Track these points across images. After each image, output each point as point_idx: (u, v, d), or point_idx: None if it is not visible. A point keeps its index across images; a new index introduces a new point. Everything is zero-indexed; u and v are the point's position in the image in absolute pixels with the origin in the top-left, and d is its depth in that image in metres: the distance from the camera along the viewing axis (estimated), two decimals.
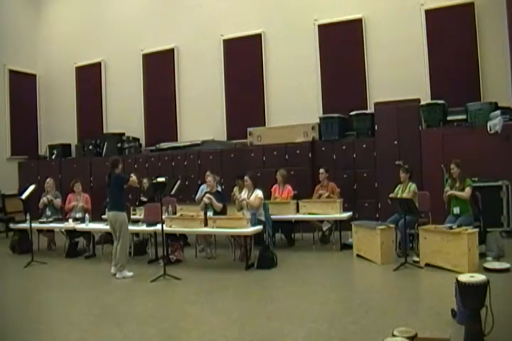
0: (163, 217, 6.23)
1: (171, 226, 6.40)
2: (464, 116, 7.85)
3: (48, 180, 8.10)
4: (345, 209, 7.18)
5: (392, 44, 8.86)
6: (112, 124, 11.63)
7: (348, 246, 6.78)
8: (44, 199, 7.85)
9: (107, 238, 7.13)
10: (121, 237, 5.99)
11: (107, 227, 6.68)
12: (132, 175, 6.23)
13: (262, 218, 6.56)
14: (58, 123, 12.20)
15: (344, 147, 8.64)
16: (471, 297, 3.19)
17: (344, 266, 6.16)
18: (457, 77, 8.37)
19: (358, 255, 6.37)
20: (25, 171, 11.47)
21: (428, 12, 8.63)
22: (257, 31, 10.05)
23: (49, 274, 6.47)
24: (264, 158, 9.06)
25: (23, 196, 7.12)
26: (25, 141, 11.96)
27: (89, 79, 11.83)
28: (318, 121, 9.02)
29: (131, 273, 5.99)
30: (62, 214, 8.05)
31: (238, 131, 9.86)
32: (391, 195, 6.51)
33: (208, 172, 7.81)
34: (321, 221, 7.25)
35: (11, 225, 8.26)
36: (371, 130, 8.52)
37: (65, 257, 7.35)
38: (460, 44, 8.39)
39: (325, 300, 4.61)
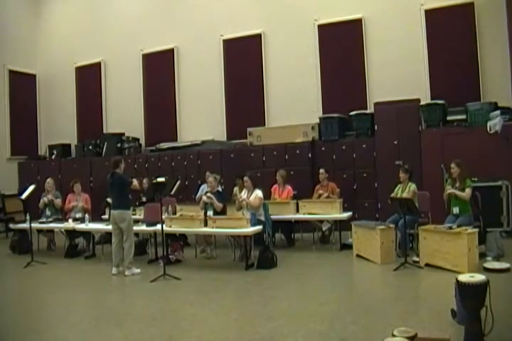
0: (163, 217, 6.23)
1: (170, 226, 6.41)
2: (463, 116, 7.85)
3: (48, 180, 8.10)
4: (345, 209, 7.18)
5: (392, 44, 8.86)
6: (111, 124, 11.64)
7: (348, 246, 6.78)
8: (44, 200, 7.85)
9: (107, 238, 7.12)
10: (129, 236, 6.08)
11: (107, 227, 6.70)
12: (134, 180, 6.37)
13: (262, 218, 6.56)
14: (58, 123, 12.20)
15: (344, 147, 8.64)
16: (471, 297, 3.19)
17: (344, 266, 6.16)
18: (457, 77, 8.37)
19: (357, 255, 6.37)
20: (25, 171, 11.45)
21: (428, 12, 8.62)
22: (257, 31, 10.05)
23: (49, 274, 6.46)
24: (264, 158, 9.06)
25: (23, 196, 7.12)
26: (25, 141, 11.97)
27: (89, 79, 11.83)
28: (318, 121, 9.02)
29: (138, 270, 6.06)
30: (62, 215, 8.06)
31: (238, 131, 9.86)
32: (391, 195, 6.51)
33: (208, 173, 7.83)
34: (321, 221, 7.24)
35: (11, 225, 8.27)
36: (371, 130, 8.52)
37: (65, 257, 7.34)
38: (460, 44, 8.40)
39: (325, 300, 4.61)
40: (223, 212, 6.76)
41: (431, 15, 8.61)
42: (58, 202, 7.94)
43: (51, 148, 11.65)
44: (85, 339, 3.85)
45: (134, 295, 5.25)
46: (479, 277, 3.27)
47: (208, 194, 6.80)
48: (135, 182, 6.40)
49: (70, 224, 7.27)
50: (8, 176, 11.20)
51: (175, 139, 10.76)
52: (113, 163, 6.19)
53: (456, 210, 5.96)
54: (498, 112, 7.32)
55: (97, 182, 10.30)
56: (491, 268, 5.14)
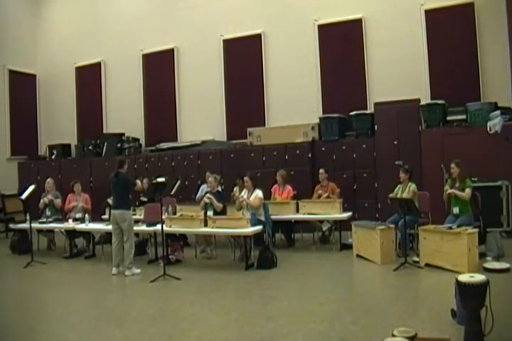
0: (163, 217, 6.24)
1: (170, 227, 6.41)
2: (463, 116, 7.85)
3: (48, 180, 8.10)
4: (345, 209, 7.18)
5: (392, 44, 8.85)
6: (111, 124, 11.63)
7: (348, 246, 6.78)
8: (44, 200, 7.84)
9: (107, 238, 7.11)
10: (130, 236, 6.09)
11: (107, 227, 6.70)
12: (138, 181, 6.39)
13: (262, 218, 6.56)
14: (58, 123, 12.20)
15: (344, 147, 8.64)
16: (471, 297, 3.19)
17: (344, 266, 6.16)
18: (457, 77, 8.36)
19: (357, 255, 6.37)
20: (25, 171, 11.44)
21: (428, 12, 8.62)
22: (257, 31, 10.05)
23: (49, 274, 6.46)
24: (264, 158, 9.06)
25: (23, 196, 7.12)
26: (25, 141, 11.97)
27: (89, 79, 11.82)
28: (318, 121, 9.02)
29: (139, 270, 6.07)
30: (62, 215, 8.05)
31: (238, 131, 9.86)
32: (391, 195, 6.51)
33: (208, 173, 7.83)
34: (321, 221, 7.25)
35: (11, 225, 8.27)
36: (371, 130, 8.51)
37: (64, 257, 7.35)
38: (460, 44, 8.40)
39: (325, 300, 4.61)
40: (223, 212, 6.76)
41: (431, 15, 8.61)
42: (58, 202, 7.94)
43: (51, 148, 11.65)
44: (85, 339, 3.85)
45: (134, 295, 5.25)
46: (479, 277, 3.27)
47: (208, 194, 6.80)
48: (139, 183, 6.47)
49: (70, 224, 7.27)
50: (8, 176, 11.19)
51: (175, 139, 10.76)
52: (118, 162, 6.21)
53: (456, 210, 5.96)
54: (498, 112, 7.32)
55: (97, 182, 10.31)
56: (491, 268, 5.14)
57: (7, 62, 11.64)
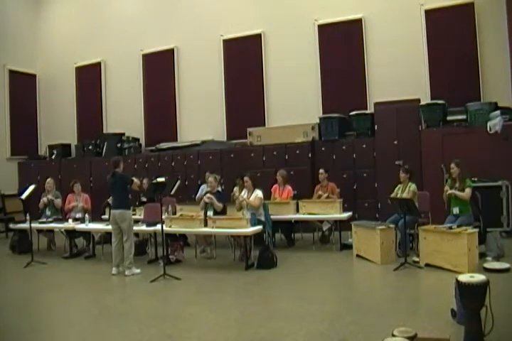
0: (163, 217, 6.23)
1: (170, 227, 6.40)
2: (463, 116, 7.85)
3: (48, 180, 8.10)
4: (345, 209, 7.18)
5: (392, 44, 8.85)
6: (111, 124, 11.63)
7: (348, 246, 6.78)
8: (44, 200, 7.84)
9: (107, 238, 7.11)
10: (130, 236, 6.08)
11: (107, 227, 6.70)
12: (134, 178, 6.32)
13: (262, 218, 6.56)
14: (58, 123, 12.20)
15: (344, 147, 8.64)
16: (470, 297, 3.19)
17: (344, 266, 6.16)
18: (457, 77, 8.36)
19: (357, 255, 6.37)
20: (25, 171, 11.45)
21: (428, 12, 8.62)
22: (257, 31, 10.05)
23: (49, 274, 6.46)
24: (264, 158, 9.06)
25: (23, 196, 7.12)
26: (25, 141, 11.97)
27: (89, 79, 11.82)
28: (318, 121, 9.02)
29: (138, 270, 6.06)
30: (62, 215, 8.05)
31: (238, 131, 9.86)
32: (391, 195, 6.50)
33: (208, 173, 7.83)
34: (321, 221, 7.25)
35: (11, 225, 8.27)
36: (371, 130, 8.52)
37: (64, 257, 7.35)
38: (460, 44, 8.40)
39: (325, 300, 4.61)
40: (223, 212, 6.76)
41: (431, 15, 8.61)
42: (58, 202, 7.94)
43: (51, 148, 11.65)
44: (85, 339, 3.85)
45: (134, 295, 5.25)
46: (479, 277, 3.27)
47: (208, 194, 6.79)
48: (136, 180, 6.38)
49: (70, 224, 7.27)
50: (8, 176, 11.19)
51: (175, 139, 10.76)
52: (113, 162, 6.21)
53: (456, 210, 5.96)
54: (498, 112, 7.32)
55: (97, 182, 10.30)
56: (490, 268, 5.14)
57: (7, 62, 11.64)
